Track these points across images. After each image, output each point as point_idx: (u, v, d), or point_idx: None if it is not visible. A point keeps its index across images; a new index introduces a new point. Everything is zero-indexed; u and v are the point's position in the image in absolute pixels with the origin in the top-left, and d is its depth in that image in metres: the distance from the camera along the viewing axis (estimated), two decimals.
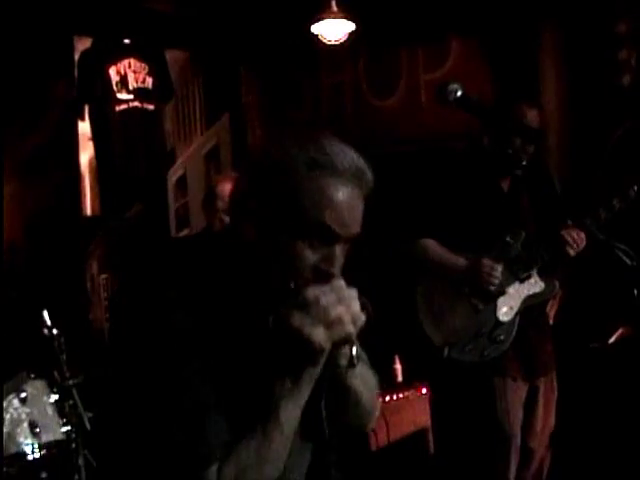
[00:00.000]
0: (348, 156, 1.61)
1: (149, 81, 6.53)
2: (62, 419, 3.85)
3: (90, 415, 3.93)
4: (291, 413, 1.60)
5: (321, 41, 5.78)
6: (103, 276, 6.11)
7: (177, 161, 7.74)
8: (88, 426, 3.88)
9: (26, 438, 3.70)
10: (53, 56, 6.29)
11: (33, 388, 3.83)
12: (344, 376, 1.71)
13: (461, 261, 3.46)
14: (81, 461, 3.78)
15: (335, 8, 5.53)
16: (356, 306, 1.59)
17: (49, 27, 6.08)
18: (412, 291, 3.52)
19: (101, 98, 6.35)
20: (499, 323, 3.47)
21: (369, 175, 1.63)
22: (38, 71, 6.35)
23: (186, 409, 1.56)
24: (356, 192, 1.62)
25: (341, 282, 1.60)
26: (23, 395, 3.76)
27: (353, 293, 1.60)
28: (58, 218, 6.36)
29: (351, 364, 1.63)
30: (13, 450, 3.67)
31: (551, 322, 3.91)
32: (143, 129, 6.61)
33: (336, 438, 1.76)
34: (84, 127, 6.40)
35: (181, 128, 7.58)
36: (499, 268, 3.43)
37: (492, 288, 3.42)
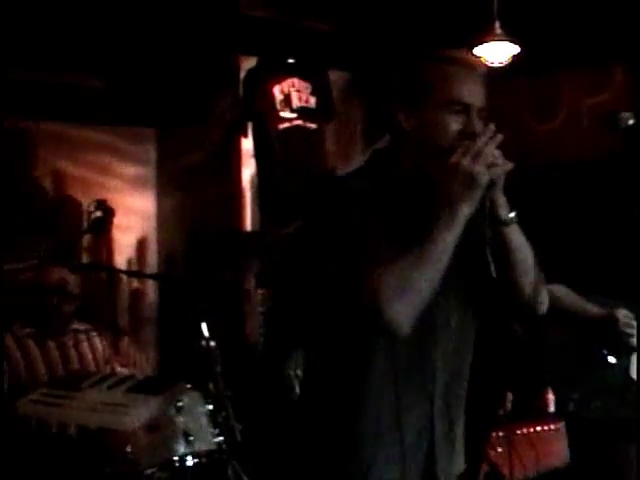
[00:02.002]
0: (462, 51, 2.16)
1: (312, 100, 6.61)
2: (214, 429, 3.93)
3: (241, 427, 4.01)
4: (444, 237, 1.96)
5: (484, 64, 5.72)
6: (259, 291, 6.21)
7: None
8: (239, 437, 3.96)
9: (180, 446, 3.81)
10: (219, 74, 6.45)
11: (189, 398, 3.93)
12: (504, 230, 2.09)
13: (594, 310, 3.32)
14: (230, 471, 3.86)
15: (499, 30, 5.46)
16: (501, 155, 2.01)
17: (215, 46, 6.25)
18: (541, 339, 3.39)
19: (264, 116, 6.45)
20: (631, 381, 3.29)
21: (481, 64, 2.28)
22: (203, 87, 6.54)
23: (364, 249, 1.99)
24: (476, 76, 2.12)
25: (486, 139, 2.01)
26: (179, 404, 3.86)
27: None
28: (218, 233, 6.51)
29: (508, 215, 2.07)
30: (167, 456, 3.77)
31: None
32: (304, 148, 6.68)
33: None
34: (247, 144, 6.53)
35: (341, 148, 7.64)
36: (634, 322, 3.27)
37: (629, 342, 3.26)
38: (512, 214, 2.10)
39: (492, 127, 2.02)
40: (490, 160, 1.98)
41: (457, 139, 2.05)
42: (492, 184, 2.00)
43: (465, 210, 1.98)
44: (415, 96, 2.10)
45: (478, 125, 2.07)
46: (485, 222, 2.04)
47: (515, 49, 5.65)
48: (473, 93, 2.09)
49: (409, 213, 2.11)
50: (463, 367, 2.22)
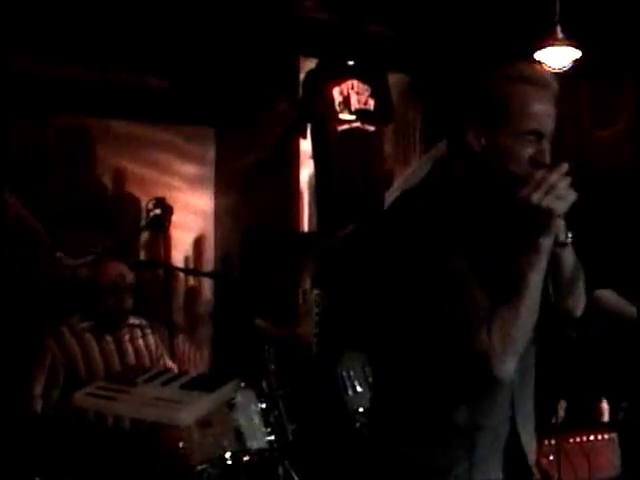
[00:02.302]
0: (536, 68, 2.09)
1: (371, 103, 6.62)
2: (266, 428, 3.96)
3: (293, 427, 4.02)
4: (535, 277, 1.99)
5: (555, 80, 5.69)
6: (315, 292, 6.23)
7: (394, 183, 7.79)
8: (290, 437, 3.97)
9: (231, 443, 3.83)
10: (279, 76, 6.49)
11: (242, 396, 3.95)
12: (560, 251, 2.10)
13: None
14: (281, 470, 3.88)
15: (560, 35, 5.42)
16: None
17: (276, 48, 6.29)
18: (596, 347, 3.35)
19: (323, 117, 6.47)
20: None
21: (554, 81, 2.07)
22: (264, 89, 6.58)
23: (454, 289, 1.99)
24: (549, 96, 2.05)
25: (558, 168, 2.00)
26: (232, 402, 3.88)
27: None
28: (275, 232, 6.55)
29: (566, 238, 2.08)
30: (218, 453, 3.81)
31: None
32: (363, 150, 6.69)
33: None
34: (306, 145, 6.55)
35: (399, 150, 7.64)
36: None
37: None
38: (569, 236, 2.12)
39: (566, 165, 2.00)
40: (561, 193, 1.97)
41: (528, 167, 2.03)
42: (564, 215, 2.01)
43: (546, 243, 2.00)
44: (490, 116, 2.05)
45: (549, 155, 2.06)
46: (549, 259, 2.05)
47: (576, 53, 5.60)
48: (548, 120, 2.06)
49: (480, 236, 2.12)
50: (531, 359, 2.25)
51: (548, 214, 1.97)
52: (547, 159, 2.05)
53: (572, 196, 1.99)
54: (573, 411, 5.05)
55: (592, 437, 4.78)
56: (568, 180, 1.98)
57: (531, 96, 2.04)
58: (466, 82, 2.12)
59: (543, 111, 2.04)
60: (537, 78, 2.06)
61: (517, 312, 1.97)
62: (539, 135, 2.04)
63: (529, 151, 2.04)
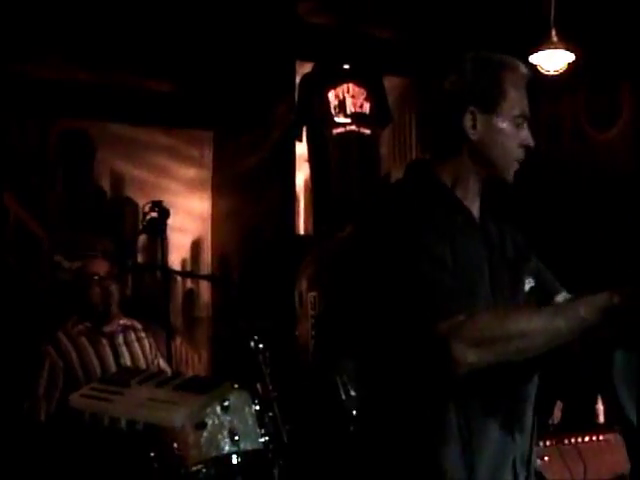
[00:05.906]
0: (523, 65, 2.19)
1: (367, 106, 6.63)
2: (261, 430, 3.97)
3: (288, 428, 4.04)
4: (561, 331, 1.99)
5: (539, 72, 5.70)
6: (312, 294, 6.22)
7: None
8: (285, 439, 3.99)
9: (226, 444, 3.85)
10: (276, 79, 6.51)
11: (236, 398, 3.96)
12: None
13: None
14: (276, 471, 3.89)
15: (555, 38, 5.44)
16: None
17: (273, 52, 6.31)
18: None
19: (319, 121, 6.49)
20: None
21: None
22: (261, 93, 6.60)
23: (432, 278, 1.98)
24: (526, 83, 2.18)
25: None
26: (226, 404, 3.90)
27: None
28: (272, 235, 6.57)
29: None
30: (213, 454, 3.82)
31: None
32: (359, 153, 6.70)
33: None
34: (301, 148, 6.57)
35: (396, 154, 7.65)
36: None
37: None
38: None
39: None
40: None
41: (521, 150, 2.16)
42: None
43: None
44: (489, 100, 2.13)
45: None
46: None
47: (571, 57, 5.62)
48: (527, 105, 2.18)
49: (464, 228, 2.15)
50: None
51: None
52: (532, 142, 2.16)
53: None
54: (569, 412, 5.05)
55: (587, 438, 4.79)
56: None
57: (518, 82, 2.16)
58: (472, 68, 2.16)
59: (525, 96, 2.16)
60: (519, 66, 2.18)
61: (509, 332, 1.93)
62: (525, 119, 2.16)
63: (521, 134, 2.15)
